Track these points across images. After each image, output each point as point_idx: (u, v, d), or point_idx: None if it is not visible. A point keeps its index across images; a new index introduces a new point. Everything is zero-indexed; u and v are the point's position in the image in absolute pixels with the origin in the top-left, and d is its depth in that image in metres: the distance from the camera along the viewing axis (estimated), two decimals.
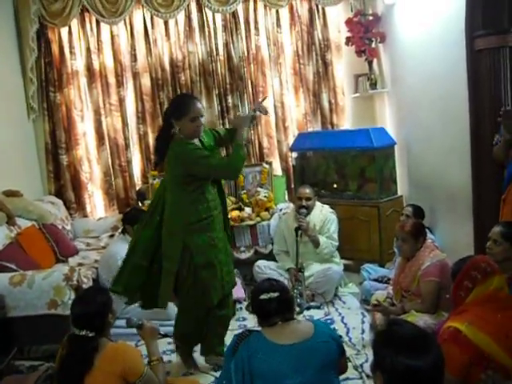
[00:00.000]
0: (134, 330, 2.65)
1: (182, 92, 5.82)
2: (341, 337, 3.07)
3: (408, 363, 1.44)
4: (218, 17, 5.80)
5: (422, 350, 1.47)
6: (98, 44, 5.76)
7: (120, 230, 4.50)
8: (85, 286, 3.72)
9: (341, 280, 4.49)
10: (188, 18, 5.74)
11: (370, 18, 5.56)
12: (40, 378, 2.96)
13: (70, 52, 5.74)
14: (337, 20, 5.91)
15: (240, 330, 3.41)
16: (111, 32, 5.74)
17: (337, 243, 4.55)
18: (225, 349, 3.05)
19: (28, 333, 3.50)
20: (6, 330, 3.47)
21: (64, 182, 5.82)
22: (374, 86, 5.69)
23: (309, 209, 4.49)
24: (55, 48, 5.73)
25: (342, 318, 4.02)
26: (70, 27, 5.67)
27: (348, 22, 5.58)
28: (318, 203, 4.64)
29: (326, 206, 4.68)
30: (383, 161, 5.08)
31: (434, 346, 1.51)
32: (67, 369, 2.28)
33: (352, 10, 5.66)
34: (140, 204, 5.59)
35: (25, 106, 5.59)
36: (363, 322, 3.86)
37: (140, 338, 2.65)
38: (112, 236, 5.24)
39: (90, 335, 2.29)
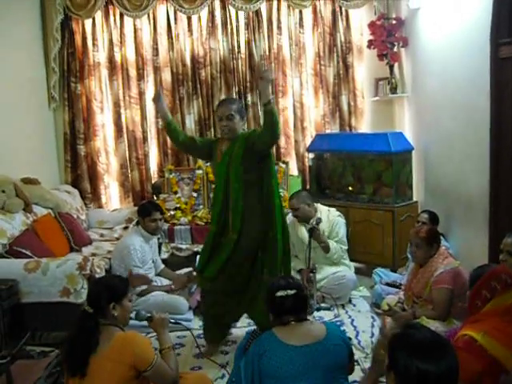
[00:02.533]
0: (145, 323, 2.66)
1: (202, 90, 5.87)
2: (350, 339, 3.08)
3: (421, 367, 1.44)
4: (241, 15, 5.83)
5: (437, 355, 1.47)
6: (120, 37, 5.81)
7: (134, 222, 4.53)
8: (97, 276, 3.75)
9: (355, 287, 4.48)
10: (211, 14, 5.77)
11: (394, 21, 5.54)
12: (50, 364, 2.99)
13: (93, 44, 5.80)
14: (360, 23, 5.90)
15: (250, 327, 3.46)
16: (134, 25, 5.78)
17: (346, 247, 4.53)
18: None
19: (40, 319, 3.53)
20: (19, 315, 3.51)
21: (81, 172, 5.87)
22: (394, 90, 5.66)
23: (300, 217, 4.46)
24: (78, 39, 5.79)
25: (352, 320, 4.01)
26: (93, 19, 5.74)
27: (371, 25, 5.56)
28: (323, 207, 4.58)
29: (333, 209, 4.61)
30: (400, 166, 5.06)
31: (450, 352, 1.50)
32: (71, 346, 2.30)
33: (375, 14, 5.64)
34: (155, 197, 5.63)
35: (46, 95, 5.66)
36: (373, 326, 3.85)
37: (151, 329, 2.66)
38: (126, 228, 5.28)
39: (90, 311, 2.32)
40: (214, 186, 3.80)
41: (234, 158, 3.32)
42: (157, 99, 3.56)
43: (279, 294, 2.27)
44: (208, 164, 5.35)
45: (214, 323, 3.57)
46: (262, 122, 3.39)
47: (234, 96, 5.85)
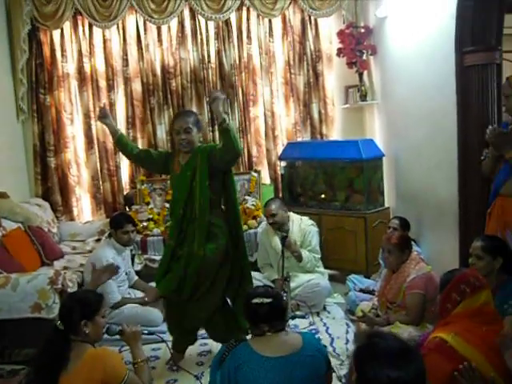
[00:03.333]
0: (117, 337, 2.63)
1: (172, 100, 5.86)
2: (325, 346, 3.08)
3: (392, 375, 1.44)
4: (211, 24, 5.83)
5: (405, 362, 1.48)
6: (89, 47, 5.76)
7: (106, 235, 4.48)
8: (69, 290, 3.69)
9: (329, 294, 4.50)
10: (181, 24, 5.77)
11: (362, 30, 5.61)
12: (21, 383, 2.93)
13: (62, 55, 5.75)
14: (329, 31, 5.96)
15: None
16: (103, 36, 5.75)
17: (319, 256, 4.54)
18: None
19: (11, 336, 3.47)
20: None
21: (51, 184, 5.80)
22: (364, 97, 5.73)
23: (277, 223, 4.46)
24: (47, 50, 5.73)
25: (327, 328, 4.01)
26: (62, 30, 5.69)
27: (340, 33, 5.63)
28: (295, 216, 4.60)
29: (305, 218, 4.63)
30: (371, 172, 5.11)
31: (416, 357, 1.51)
32: (40, 363, 2.26)
33: (344, 22, 5.71)
34: (127, 209, 5.58)
35: (14, 107, 5.58)
36: (348, 332, 3.86)
37: (124, 343, 2.63)
38: (98, 240, 5.22)
39: (60, 328, 2.29)
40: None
41: (200, 174, 3.29)
42: (102, 117, 3.51)
43: (255, 301, 2.27)
44: None
45: (176, 330, 3.55)
46: (220, 142, 3.36)
47: (205, 106, 5.85)
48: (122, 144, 3.54)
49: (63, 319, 2.32)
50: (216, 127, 5.84)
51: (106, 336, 2.52)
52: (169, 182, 5.48)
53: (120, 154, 5.83)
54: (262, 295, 2.29)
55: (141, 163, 3.74)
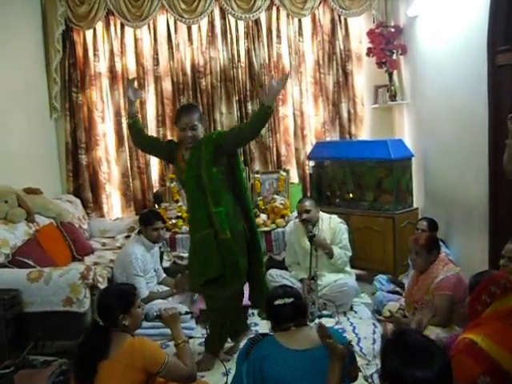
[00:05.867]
0: (154, 331, 2.70)
1: (202, 99, 5.91)
2: (350, 341, 3.09)
3: (413, 374, 1.45)
4: (241, 24, 5.87)
5: (428, 361, 1.48)
6: (121, 47, 5.86)
7: (136, 231, 4.55)
8: (100, 285, 3.76)
9: (357, 294, 4.49)
10: (211, 24, 5.81)
11: (392, 29, 5.57)
12: (53, 374, 3.00)
13: (94, 54, 5.86)
14: (359, 31, 5.94)
15: (252, 335, 3.47)
16: (135, 35, 5.84)
17: (350, 253, 4.54)
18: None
19: (43, 328, 3.53)
20: (22, 325, 3.52)
21: (83, 181, 5.91)
22: (393, 97, 5.69)
23: (311, 221, 4.46)
24: (79, 50, 5.84)
25: (354, 327, 4.01)
26: (94, 30, 5.80)
27: (370, 33, 5.60)
28: (324, 215, 4.60)
29: (334, 216, 4.64)
30: (400, 172, 5.07)
31: (441, 358, 1.51)
32: (81, 354, 2.35)
33: (374, 22, 5.68)
34: (156, 206, 5.65)
35: (48, 105, 5.71)
36: (374, 333, 3.85)
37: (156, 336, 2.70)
38: (128, 237, 5.29)
39: (100, 323, 2.37)
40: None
41: (205, 162, 3.33)
42: (133, 96, 3.49)
43: (277, 302, 2.31)
44: None
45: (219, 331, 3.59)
46: (253, 116, 3.39)
47: (235, 105, 5.89)
48: (136, 127, 3.55)
49: (102, 315, 2.41)
50: None
51: (139, 331, 2.58)
52: None
53: None
54: (283, 296, 2.33)
55: (150, 148, 3.74)
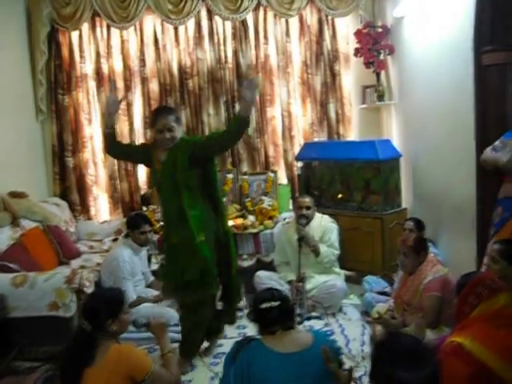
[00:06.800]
0: (141, 335, 2.68)
1: (189, 100, 5.87)
2: (340, 348, 3.07)
3: (400, 376, 1.44)
4: (228, 24, 5.84)
5: (416, 364, 1.47)
6: (107, 48, 5.81)
7: (123, 234, 4.51)
8: (86, 289, 3.73)
9: (345, 295, 4.48)
10: (198, 24, 5.78)
11: (379, 29, 5.57)
12: (39, 380, 2.98)
13: (80, 55, 5.81)
14: (346, 31, 5.93)
15: (240, 338, 3.45)
16: (121, 37, 5.79)
17: (338, 252, 4.54)
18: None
19: (29, 334, 3.51)
20: (7, 330, 3.48)
21: (69, 184, 5.85)
22: (381, 97, 5.69)
23: (309, 218, 4.48)
24: (65, 51, 5.79)
25: (343, 329, 4.00)
26: (80, 31, 5.74)
27: (357, 33, 5.60)
28: (317, 214, 4.63)
29: (326, 216, 4.67)
30: (388, 173, 5.07)
31: (430, 361, 1.50)
32: (67, 360, 2.33)
33: (361, 22, 5.68)
34: (144, 208, 5.61)
35: (33, 107, 5.65)
36: (363, 334, 3.84)
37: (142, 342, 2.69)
38: (115, 240, 5.24)
39: (86, 329, 2.35)
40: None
41: (180, 167, 3.33)
42: (113, 112, 3.55)
43: (263, 306, 2.29)
44: None
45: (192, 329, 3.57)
46: (230, 126, 3.43)
47: (222, 106, 5.87)
48: (113, 135, 3.58)
49: (89, 320, 2.37)
50: None
51: (126, 335, 2.56)
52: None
53: None
54: (270, 299, 2.31)
55: (124, 156, 3.82)
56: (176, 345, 3.48)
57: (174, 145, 3.38)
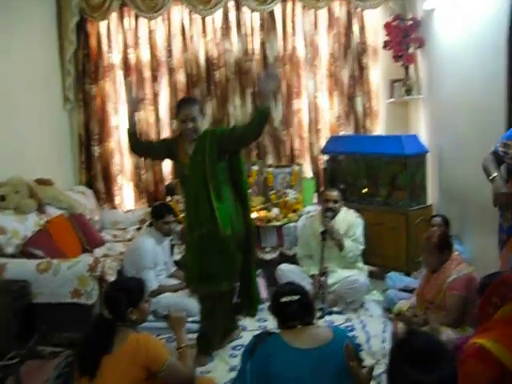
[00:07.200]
0: (160, 324, 2.70)
1: (216, 91, 5.87)
2: (359, 346, 3.05)
3: (410, 376, 1.41)
4: (256, 16, 5.80)
5: (431, 365, 1.43)
6: (135, 38, 5.83)
7: (147, 224, 4.54)
8: (108, 278, 3.75)
9: (368, 291, 4.44)
10: (225, 15, 5.76)
11: (410, 22, 5.46)
12: (60, 365, 3.02)
13: (108, 45, 5.84)
14: (375, 24, 5.84)
15: (260, 331, 3.44)
16: (149, 27, 5.80)
17: (362, 247, 4.49)
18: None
19: (51, 320, 3.55)
20: (30, 315, 3.53)
21: (95, 173, 5.90)
22: (409, 92, 5.61)
23: (335, 212, 4.44)
24: (93, 41, 5.82)
25: (364, 325, 3.95)
26: (108, 21, 5.77)
27: (387, 25, 5.51)
28: (343, 207, 4.58)
29: (351, 211, 4.63)
30: (414, 168, 4.99)
31: (448, 362, 1.46)
32: (86, 347, 2.35)
33: (391, 14, 5.59)
34: (169, 198, 5.64)
35: (61, 96, 5.70)
36: (385, 331, 3.78)
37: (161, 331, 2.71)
38: (139, 229, 5.28)
39: (107, 317, 2.38)
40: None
41: (209, 159, 3.34)
42: (135, 109, 3.71)
43: (283, 299, 2.28)
44: None
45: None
46: (252, 119, 3.43)
47: (249, 98, 5.85)
48: (135, 135, 3.67)
49: (110, 308, 2.40)
50: None
51: (144, 324, 2.57)
52: None
53: None
54: (290, 293, 2.29)
55: (148, 154, 3.86)
56: (193, 336, 3.49)
57: (198, 136, 3.40)
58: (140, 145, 3.70)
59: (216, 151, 3.34)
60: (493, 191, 3.08)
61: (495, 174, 3.12)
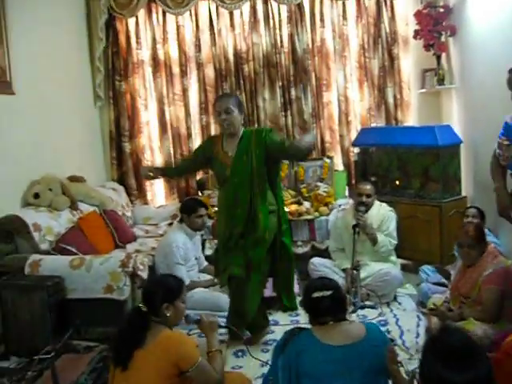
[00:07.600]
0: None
1: (245, 85, 5.85)
2: (393, 341, 3.00)
3: (443, 375, 1.36)
4: (284, 8, 5.76)
5: (464, 365, 1.39)
6: (163, 34, 5.84)
7: (178, 219, 4.55)
8: (140, 273, 3.78)
9: (400, 284, 4.37)
10: (253, 9, 5.73)
11: (441, 10, 5.34)
12: (94, 359, 3.05)
13: (137, 42, 5.86)
14: (405, 12, 5.73)
15: (292, 326, 3.43)
16: (176, 23, 5.80)
17: (395, 241, 4.43)
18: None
19: (85, 315, 3.57)
20: (65, 311, 3.58)
21: (126, 169, 5.95)
22: (441, 81, 5.49)
23: (368, 206, 4.39)
24: (122, 38, 5.85)
25: (397, 319, 3.90)
26: (137, 18, 5.78)
27: (417, 14, 5.39)
28: (376, 201, 4.52)
29: (384, 204, 4.56)
30: (448, 160, 4.90)
31: (480, 362, 1.41)
32: (120, 341, 2.36)
33: (421, 2, 5.47)
34: (200, 194, 5.66)
35: (92, 94, 5.75)
36: (418, 326, 3.71)
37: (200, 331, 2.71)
38: (171, 224, 5.30)
39: (143, 310, 2.38)
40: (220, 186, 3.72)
41: (256, 158, 3.34)
42: (147, 177, 3.85)
43: (315, 295, 2.24)
44: None
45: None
46: (294, 148, 3.25)
47: (278, 91, 5.81)
48: (171, 172, 4.11)
49: (146, 302, 2.42)
50: (289, 112, 5.86)
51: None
52: None
53: (193, 138, 5.95)
54: (322, 288, 2.26)
55: (189, 172, 4.21)
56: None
57: (235, 132, 3.41)
58: (179, 171, 4.00)
59: (264, 153, 3.34)
60: (496, 203, 3.04)
61: (497, 185, 3.05)
